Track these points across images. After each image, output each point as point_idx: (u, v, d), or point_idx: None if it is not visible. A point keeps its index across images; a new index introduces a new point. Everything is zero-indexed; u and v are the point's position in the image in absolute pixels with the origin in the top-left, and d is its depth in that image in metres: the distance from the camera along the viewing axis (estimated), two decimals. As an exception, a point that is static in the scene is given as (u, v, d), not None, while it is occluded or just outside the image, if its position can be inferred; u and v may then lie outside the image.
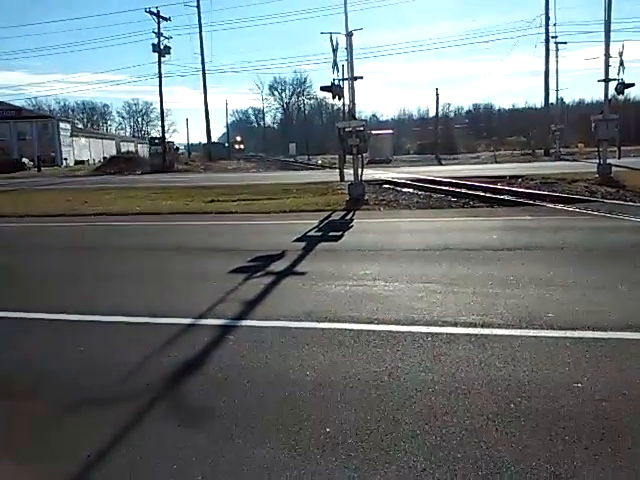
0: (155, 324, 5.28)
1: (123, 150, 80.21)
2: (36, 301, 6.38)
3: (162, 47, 43.06)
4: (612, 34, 18.38)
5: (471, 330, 4.72)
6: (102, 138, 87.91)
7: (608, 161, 19.00)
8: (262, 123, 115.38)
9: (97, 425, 3.39)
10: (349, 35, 15.41)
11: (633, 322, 4.74)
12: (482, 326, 4.80)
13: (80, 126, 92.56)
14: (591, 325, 4.70)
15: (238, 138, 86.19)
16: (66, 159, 68.23)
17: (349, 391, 3.68)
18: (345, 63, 15.65)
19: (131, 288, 6.92)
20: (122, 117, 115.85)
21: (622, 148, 30.96)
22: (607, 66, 18.27)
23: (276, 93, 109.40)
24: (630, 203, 13.08)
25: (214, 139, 71.78)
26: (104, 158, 62.31)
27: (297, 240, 9.77)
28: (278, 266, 7.61)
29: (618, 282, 6.06)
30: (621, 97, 20.62)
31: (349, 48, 15.45)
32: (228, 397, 3.67)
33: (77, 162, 68.61)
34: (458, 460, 2.85)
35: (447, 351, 4.30)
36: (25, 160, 57.60)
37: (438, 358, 4.16)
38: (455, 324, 4.89)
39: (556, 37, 42.42)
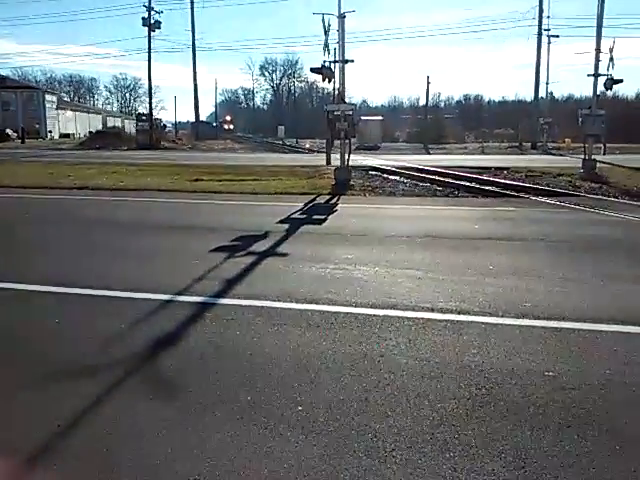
0: (134, 299, 5.25)
1: (109, 125, 79.10)
2: (14, 272, 6.32)
3: (152, 21, 42.34)
4: (603, 30, 18.45)
5: (448, 316, 4.76)
6: (88, 112, 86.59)
7: (593, 157, 19.15)
8: (252, 104, 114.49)
9: (69, 396, 3.38)
10: (341, 17, 15.26)
11: (606, 314, 4.80)
12: (459, 313, 4.84)
13: (66, 99, 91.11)
14: (566, 316, 4.76)
15: (228, 117, 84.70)
16: (51, 131, 67.17)
17: (323, 371, 3.70)
18: (337, 46, 15.53)
19: (111, 263, 6.86)
20: (109, 92, 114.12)
21: (608, 145, 31.15)
22: (597, 61, 18.32)
23: (267, 74, 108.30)
24: (612, 199, 13.20)
25: (202, 118, 71.22)
26: (90, 132, 61.41)
27: (281, 222, 9.75)
28: (260, 247, 7.60)
29: (594, 275, 6.14)
30: (610, 93, 20.72)
31: (341, 30, 15.31)
32: (202, 373, 3.68)
33: (62, 135, 67.62)
34: (427, 442, 2.89)
35: (422, 336, 4.33)
36: (9, 131, 56.60)
37: (413, 342, 4.19)
38: (432, 310, 4.92)
39: (549, 30, 42.37)
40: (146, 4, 41.95)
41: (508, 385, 3.51)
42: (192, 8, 55.84)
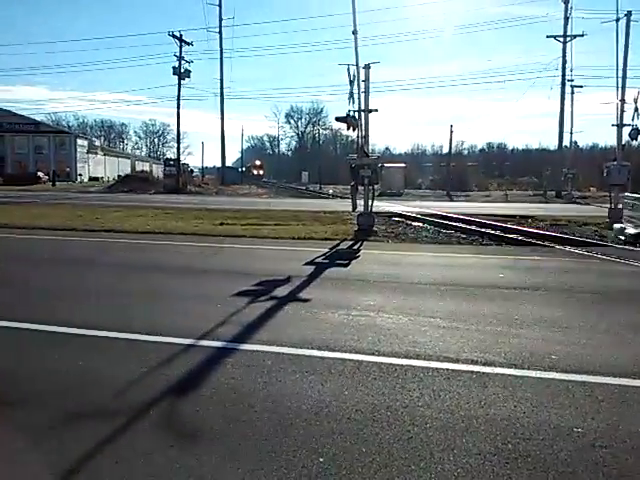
0: (155, 342, 5.25)
1: (138, 169, 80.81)
2: (38, 313, 6.38)
3: (182, 70, 43.76)
4: (628, 80, 18.59)
5: (472, 367, 4.67)
6: (118, 156, 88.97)
7: (619, 206, 18.97)
8: (277, 150, 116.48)
9: (88, 440, 3.35)
10: (366, 67, 15.61)
11: (637, 368, 4.67)
12: (484, 364, 4.75)
13: (97, 143, 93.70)
14: (594, 369, 4.64)
15: (257, 162, 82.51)
16: (81, 175, 69.01)
17: (345, 422, 3.63)
18: (362, 95, 15.81)
19: (133, 305, 6.91)
20: (139, 137, 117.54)
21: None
22: (621, 111, 18.40)
23: (292, 121, 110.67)
24: (639, 249, 12.98)
25: (229, 164, 72.02)
26: (118, 176, 62.94)
27: (304, 267, 9.77)
28: (282, 291, 7.59)
29: (623, 327, 6.00)
30: (635, 143, 20.62)
31: (366, 80, 15.63)
32: (223, 420, 3.63)
33: (92, 178, 69.38)
34: (452, 499, 2.79)
35: (447, 387, 4.24)
36: (40, 174, 58.28)
37: (437, 394, 4.11)
38: (457, 360, 4.83)
39: (572, 80, 42.68)
40: (177, 54, 43.47)
41: (535, 441, 3.40)
42: (221, 58, 57.62)
